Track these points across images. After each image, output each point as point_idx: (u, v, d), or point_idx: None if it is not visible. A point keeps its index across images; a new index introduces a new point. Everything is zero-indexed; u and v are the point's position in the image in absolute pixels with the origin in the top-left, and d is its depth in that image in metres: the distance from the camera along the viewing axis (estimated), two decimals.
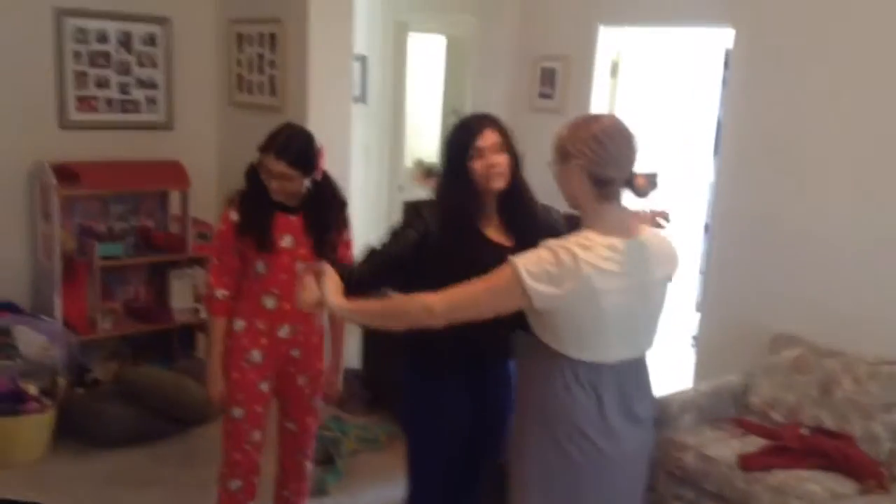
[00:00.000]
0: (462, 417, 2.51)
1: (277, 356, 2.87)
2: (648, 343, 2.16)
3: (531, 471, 2.09)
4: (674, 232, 2.35)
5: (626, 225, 2.04)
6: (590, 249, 1.94)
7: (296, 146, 2.70)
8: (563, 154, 2.01)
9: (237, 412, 2.85)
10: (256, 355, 2.83)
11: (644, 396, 2.16)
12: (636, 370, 2.14)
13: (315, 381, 2.99)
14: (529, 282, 1.91)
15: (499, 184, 2.36)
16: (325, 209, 2.81)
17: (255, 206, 2.73)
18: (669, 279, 2.15)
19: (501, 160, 2.36)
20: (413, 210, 2.45)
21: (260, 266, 2.75)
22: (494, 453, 2.66)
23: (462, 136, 2.38)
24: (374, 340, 4.55)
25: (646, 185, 1.99)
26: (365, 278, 2.36)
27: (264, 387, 2.87)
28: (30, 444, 3.79)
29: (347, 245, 2.92)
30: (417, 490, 2.61)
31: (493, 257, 2.17)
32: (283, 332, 2.84)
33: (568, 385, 2.02)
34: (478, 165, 2.34)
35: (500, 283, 1.97)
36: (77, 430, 3.97)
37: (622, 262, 1.97)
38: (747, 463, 3.10)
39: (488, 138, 2.35)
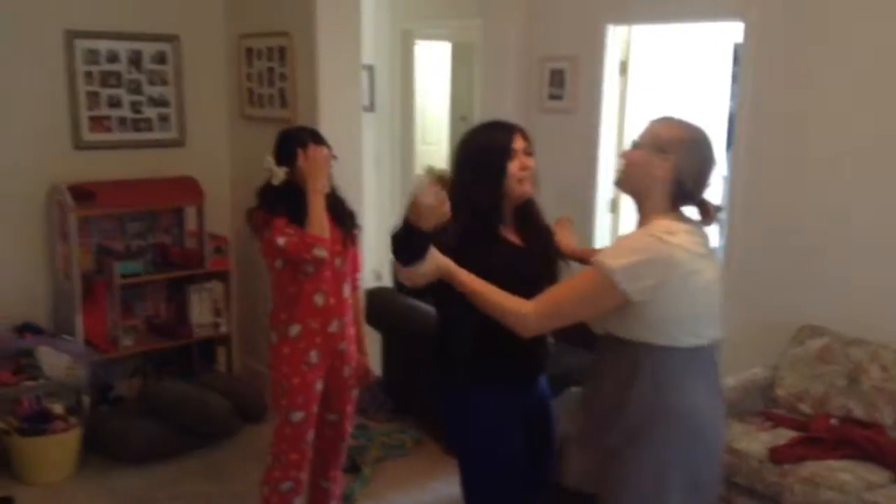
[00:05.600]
0: (517, 425, 2.38)
1: (329, 352, 2.99)
2: (720, 323, 2.14)
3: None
4: None
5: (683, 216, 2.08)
6: (675, 234, 1.96)
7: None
8: (660, 146, 2.03)
9: (297, 416, 2.95)
10: (314, 356, 2.95)
11: None
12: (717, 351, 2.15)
13: (354, 370, 3.12)
14: (622, 279, 1.90)
15: (527, 187, 2.33)
16: (343, 209, 3.03)
17: (298, 203, 2.83)
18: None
19: (532, 163, 2.34)
20: None
21: (308, 267, 2.86)
22: (549, 468, 2.55)
23: (498, 138, 2.33)
24: (396, 348, 4.55)
25: (712, 215, 2.07)
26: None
27: (319, 386, 2.99)
28: (57, 463, 3.81)
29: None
30: None
31: (511, 257, 2.27)
32: (333, 326, 2.98)
33: (678, 374, 2.01)
34: (513, 167, 2.29)
35: (590, 289, 1.93)
36: (102, 448, 3.98)
37: (703, 244, 2.03)
38: (778, 455, 3.08)
39: (520, 142, 2.33)
